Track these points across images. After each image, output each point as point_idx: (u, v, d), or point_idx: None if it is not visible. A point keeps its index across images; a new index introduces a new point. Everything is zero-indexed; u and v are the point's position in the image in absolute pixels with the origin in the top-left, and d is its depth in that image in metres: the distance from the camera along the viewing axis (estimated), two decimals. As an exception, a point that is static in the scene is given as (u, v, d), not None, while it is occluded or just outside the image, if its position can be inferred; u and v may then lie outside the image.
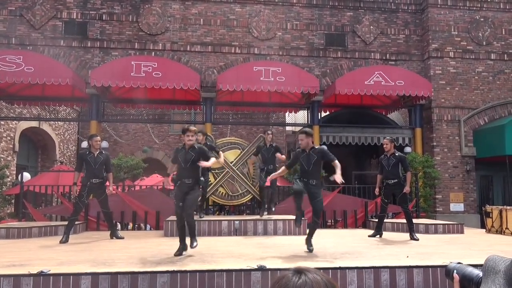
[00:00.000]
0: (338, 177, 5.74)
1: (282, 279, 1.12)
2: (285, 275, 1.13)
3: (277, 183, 9.89)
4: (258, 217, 8.82)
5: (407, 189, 7.75)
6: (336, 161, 5.95)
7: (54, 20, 13.00)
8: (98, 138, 7.83)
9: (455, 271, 1.15)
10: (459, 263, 1.22)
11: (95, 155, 7.61)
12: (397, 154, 7.90)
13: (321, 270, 1.16)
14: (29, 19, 12.84)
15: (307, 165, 5.93)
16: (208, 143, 8.27)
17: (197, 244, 5.68)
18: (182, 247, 5.61)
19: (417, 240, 7.51)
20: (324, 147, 6.58)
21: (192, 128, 5.83)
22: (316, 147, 6.18)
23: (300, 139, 6.03)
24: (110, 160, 7.86)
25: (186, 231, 5.74)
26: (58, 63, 12.08)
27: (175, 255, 5.50)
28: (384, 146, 8.02)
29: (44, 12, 12.93)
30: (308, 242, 5.95)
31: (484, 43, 13.95)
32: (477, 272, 1.11)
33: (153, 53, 13.14)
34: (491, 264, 1.00)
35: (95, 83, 11.39)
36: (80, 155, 7.89)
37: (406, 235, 7.95)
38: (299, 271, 1.13)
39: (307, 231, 6.22)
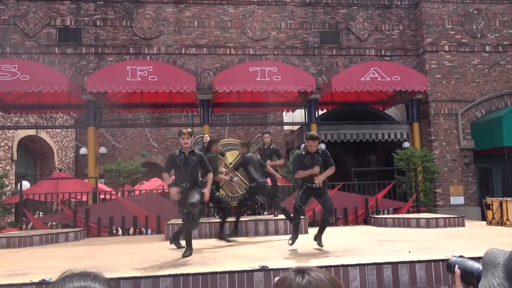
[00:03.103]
0: (320, 178, 5.85)
1: (285, 280, 1.08)
2: (287, 276, 1.09)
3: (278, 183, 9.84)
4: (259, 217, 8.82)
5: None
6: (333, 167, 6.05)
7: (48, 27, 12.97)
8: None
9: (456, 265, 1.15)
10: (460, 256, 1.22)
11: None
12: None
13: (324, 268, 1.15)
14: (22, 27, 12.82)
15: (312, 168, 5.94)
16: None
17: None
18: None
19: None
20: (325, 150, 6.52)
21: (186, 130, 5.87)
22: (320, 149, 6.19)
23: (313, 145, 5.99)
24: None
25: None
26: (53, 70, 12.06)
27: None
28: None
29: (37, 20, 12.91)
30: (318, 238, 6.04)
31: (479, 35, 13.97)
32: (478, 265, 1.11)
33: (148, 57, 13.12)
34: (490, 257, 1.00)
35: (91, 89, 11.37)
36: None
37: (408, 230, 7.94)
38: (301, 271, 1.10)
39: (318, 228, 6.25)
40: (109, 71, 11.87)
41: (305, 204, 6.17)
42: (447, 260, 1.22)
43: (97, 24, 13.17)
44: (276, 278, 1.14)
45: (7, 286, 4.24)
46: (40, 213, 11.26)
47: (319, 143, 6.19)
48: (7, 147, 14.44)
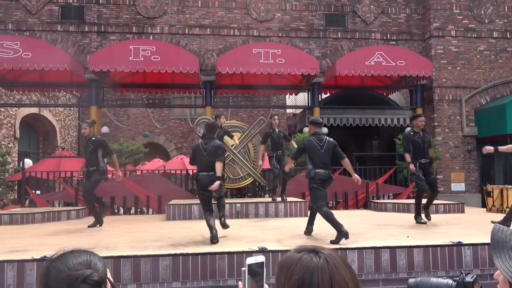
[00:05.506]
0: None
1: (300, 261, 1.01)
2: (301, 257, 1.02)
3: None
4: (260, 199, 8.86)
5: None
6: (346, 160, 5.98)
7: (50, 4, 12.83)
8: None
9: None
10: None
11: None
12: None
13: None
14: (25, 4, 12.68)
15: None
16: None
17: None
18: None
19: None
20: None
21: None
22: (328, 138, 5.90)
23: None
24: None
25: None
26: (56, 48, 11.98)
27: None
28: (83, 130, 7.51)
29: (40, -3, 12.75)
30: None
31: (487, 21, 13.75)
32: (446, 281, 1.02)
33: (151, 36, 13.00)
34: (502, 236, 0.93)
35: (94, 68, 11.32)
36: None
37: (408, 215, 7.97)
38: (314, 251, 1.03)
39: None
40: (112, 50, 11.79)
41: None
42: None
43: (100, 2, 13.01)
44: (283, 260, 1.06)
45: (9, 262, 4.30)
46: (38, 191, 11.32)
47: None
48: (10, 125, 14.46)
